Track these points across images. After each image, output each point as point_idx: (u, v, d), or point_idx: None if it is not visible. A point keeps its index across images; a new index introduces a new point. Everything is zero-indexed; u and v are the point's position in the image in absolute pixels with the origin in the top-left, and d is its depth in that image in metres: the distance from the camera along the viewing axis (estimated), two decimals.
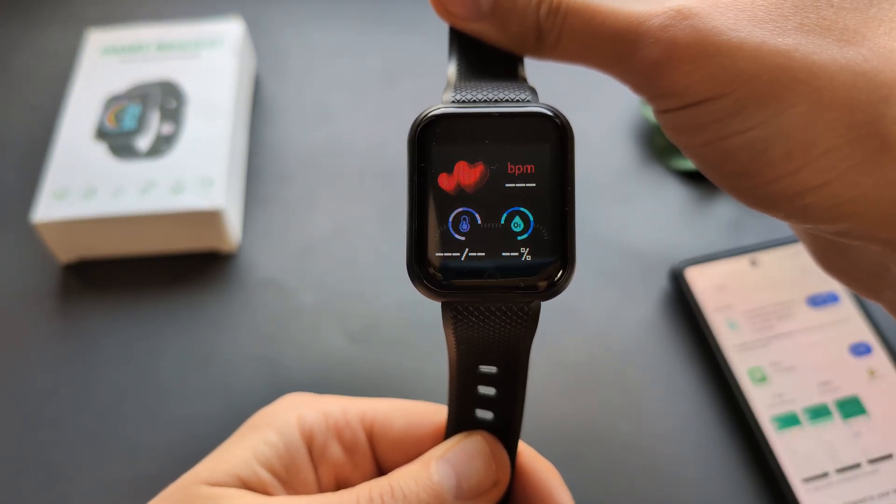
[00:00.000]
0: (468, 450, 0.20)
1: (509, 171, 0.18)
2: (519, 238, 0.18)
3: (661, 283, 0.38)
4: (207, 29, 0.44)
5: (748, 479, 0.32)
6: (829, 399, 0.33)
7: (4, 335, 0.37)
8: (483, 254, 0.18)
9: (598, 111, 0.44)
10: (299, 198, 0.41)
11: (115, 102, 0.41)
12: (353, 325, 0.37)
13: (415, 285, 0.18)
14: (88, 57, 0.43)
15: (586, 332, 0.36)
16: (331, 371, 0.35)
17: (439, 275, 0.18)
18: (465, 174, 0.18)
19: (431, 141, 0.18)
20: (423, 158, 0.18)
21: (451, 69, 0.20)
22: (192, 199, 0.37)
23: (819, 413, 0.32)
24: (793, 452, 0.31)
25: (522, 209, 0.18)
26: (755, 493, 0.31)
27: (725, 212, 0.40)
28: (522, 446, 0.23)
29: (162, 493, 0.21)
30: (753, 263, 0.37)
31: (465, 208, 0.18)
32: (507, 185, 0.18)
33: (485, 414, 0.22)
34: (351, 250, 0.39)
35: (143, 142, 0.39)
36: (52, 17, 0.51)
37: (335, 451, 0.23)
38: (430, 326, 0.36)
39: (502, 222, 0.18)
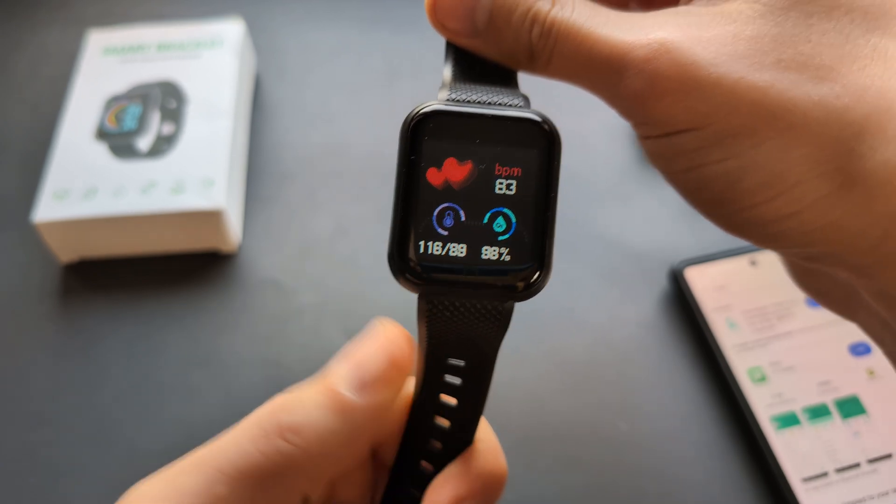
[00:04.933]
0: (366, 340, 0.20)
1: (497, 173, 0.19)
2: (500, 238, 0.19)
3: (661, 282, 0.38)
4: (208, 29, 0.44)
5: (747, 479, 0.32)
6: (828, 399, 0.33)
7: (5, 335, 0.37)
8: (464, 250, 0.18)
9: (599, 112, 0.44)
10: (299, 198, 0.41)
11: (116, 102, 0.41)
12: (353, 325, 0.37)
13: (394, 275, 0.18)
14: (89, 57, 0.43)
15: (586, 332, 0.36)
16: None
17: (419, 267, 0.18)
18: (453, 171, 0.18)
19: (424, 135, 0.18)
20: (414, 151, 0.18)
21: (447, 71, 0.21)
22: (193, 200, 0.37)
23: (818, 413, 0.32)
24: (792, 452, 0.31)
25: (506, 210, 0.19)
26: (754, 492, 0.31)
27: None
28: (490, 444, 0.23)
29: None
30: (753, 263, 0.37)
31: (451, 204, 0.18)
32: (493, 185, 0.19)
33: (449, 400, 0.22)
34: (351, 250, 0.39)
35: (144, 142, 0.39)
36: (52, 18, 0.51)
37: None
38: None
39: (485, 221, 0.19)
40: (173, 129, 0.40)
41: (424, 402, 0.22)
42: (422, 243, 0.18)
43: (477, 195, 0.19)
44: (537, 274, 0.19)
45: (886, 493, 0.30)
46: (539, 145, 0.19)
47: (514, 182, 0.19)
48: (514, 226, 0.19)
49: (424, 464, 0.23)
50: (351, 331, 0.36)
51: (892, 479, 0.30)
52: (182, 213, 0.37)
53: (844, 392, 0.33)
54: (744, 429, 0.32)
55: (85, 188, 0.37)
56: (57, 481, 0.32)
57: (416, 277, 0.18)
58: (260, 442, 0.18)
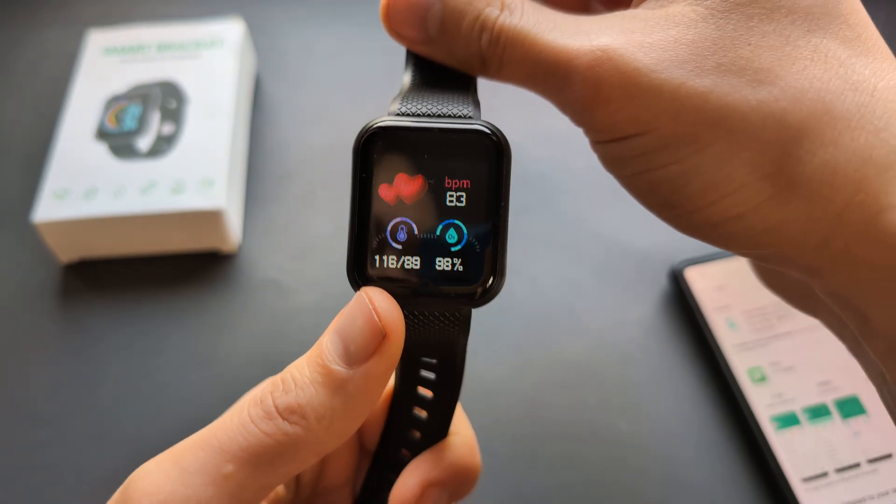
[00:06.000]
0: (350, 311, 0.19)
1: (447, 186, 0.19)
2: (452, 249, 0.19)
3: (661, 282, 0.38)
4: (208, 29, 0.44)
5: (747, 479, 0.32)
6: (828, 399, 0.33)
7: (5, 335, 0.37)
8: (418, 262, 0.19)
9: None
10: (299, 198, 0.41)
11: (116, 102, 0.41)
12: None
13: (354, 289, 0.19)
14: (89, 57, 0.43)
15: (586, 332, 0.36)
16: None
17: (377, 281, 0.19)
18: (404, 186, 0.19)
19: (373, 153, 0.19)
20: (365, 169, 0.19)
21: (406, 78, 0.21)
22: (193, 200, 0.37)
23: (818, 413, 0.32)
24: (792, 452, 0.31)
25: (457, 222, 0.19)
26: (754, 492, 0.31)
27: None
28: (466, 438, 0.23)
29: None
30: None
31: (403, 218, 0.19)
32: (444, 198, 0.19)
33: (426, 392, 0.23)
34: None
35: (144, 142, 0.39)
36: (53, 18, 0.51)
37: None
38: None
39: (437, 234, 0.19)
40: (173, 129, 0.40)
41: (403, 393, 0.23)
42: (377, 258, 0.19)
43: (428, 208, 0.19)
44: (490, 280, 0.19)
45: (886, 493, 0.30)
46: (487, 156, 0.19)
47: (463, 194, 0.19)
48: (465, 237, 0.19)
49: (404, 451, 0.24)
50: None
51: (891, 478, 0.30)
52: (182, 213, 0.37)
53: (844, 392, 0.33)
54: (744, 429, 0.32)
55: (85, 188, 0.37)
56: (57, 481, 0.32)
57: (368, 284, 0.19)
58: (263, 423, 0.18)
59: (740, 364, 0.34)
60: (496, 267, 0.19)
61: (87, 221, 0.37)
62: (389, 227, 0.19)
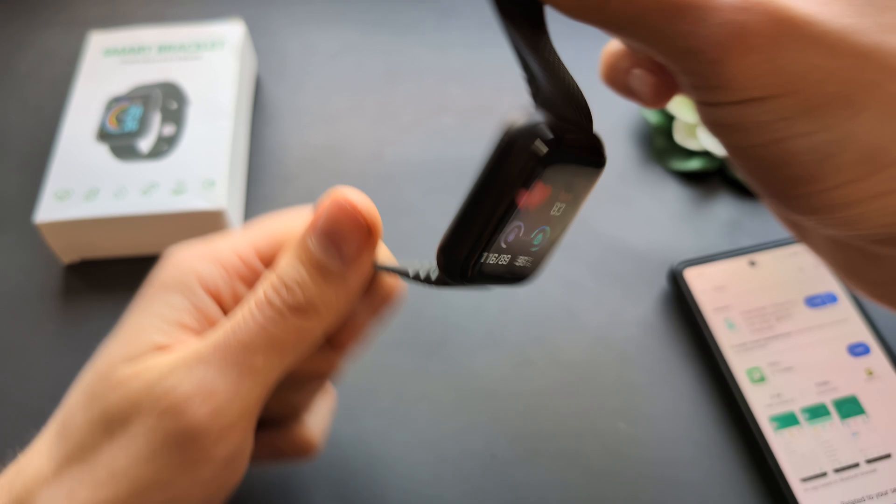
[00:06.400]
0: (333, 214, 0.21)
1: (559, 198, 0.19)
2: (532, 249, 0.20)
3: (661, 283, 0.38)
4: (208, 31, 0.44)
5: (747, 479, 0.32)
6: (827, 399, 0.33)
7: (7, 335, 0.37)
8: (507, 259, 0.20)
9: (598, 113, 0.44)
10: (300, 199, 0.42)
11: (117, 104, 0.41)
12: None
13: (449, 271, 0.19)
14: (90, 58, 0.44)
15: (586, 332, 0.36)
16: None
17: (474, 274, 0.19)
18: (537, 194, 0.18)
19: (539, 164, 0.17)
20: (527, 178, 0.17)
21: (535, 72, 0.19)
22: (194, 200, 0.37)
23: (817, 413, 0.32)
24: (791, 452, 0.31)
25: (547, 229, 0.20)
26: (753, 492, 0.31)
27: (724, 213, 0.40)
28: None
29: (80, 384, 0.22)
30: (752, 264, 0.37)
31: (521, 223, 0.19)
32: (552, 208, 0.19)
33: None
34: None
35: (145, 143, 0.39)
36: (54, 19, 0.51)
37: (243, 294, 0.23)
38: (430, 325, 0.36)
39: (532, 237, 0.20)
40: (174, 130, 0.40)
41: None
42: (485, 254, 0.19)
43: (540, 215, 0.19)
44: (536, 276, 0.21)
45: (885, 493, 0.30)
46: (592, 178, 0.20)
47: (564, 206, 0.20)
48: (544, 242, 0.20)
49: None
50: None
51: (890, 478, 0.31)
52: (183, 213, 0.37)
53: (843, 392, 0.33)
54: (743, 429, 0.33)
55: (86, 189, 0.37)
56: None
57: (465, 281, 0.19)
58: (281, 322, 0.20)
59: (739, 364, 0.34)
60: (539, 271, 0.21)
61: (89, 222, 0.37)
62: (508, 229, 0.18)
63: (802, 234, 0.23)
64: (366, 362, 0.36)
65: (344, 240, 0.21)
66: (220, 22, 0.45)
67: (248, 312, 0.21)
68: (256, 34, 0.48)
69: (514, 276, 0.20)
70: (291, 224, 0.24)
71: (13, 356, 0.36)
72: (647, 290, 0.38)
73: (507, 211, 0.18)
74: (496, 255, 0.19)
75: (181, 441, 0.19)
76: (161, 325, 0.21)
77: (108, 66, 0.43)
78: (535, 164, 0.17)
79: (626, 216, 0.40)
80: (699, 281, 0.36)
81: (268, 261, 0.23)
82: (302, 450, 0.26)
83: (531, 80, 0.18)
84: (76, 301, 0.38)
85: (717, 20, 0.16)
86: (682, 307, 0.37)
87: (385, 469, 0.32)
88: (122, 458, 0.20)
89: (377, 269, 0.22)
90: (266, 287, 0.21)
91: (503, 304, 0.37)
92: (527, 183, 0.17)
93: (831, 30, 0.15)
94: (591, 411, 0.34)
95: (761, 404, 0.32)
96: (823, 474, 0.31)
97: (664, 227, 0.40)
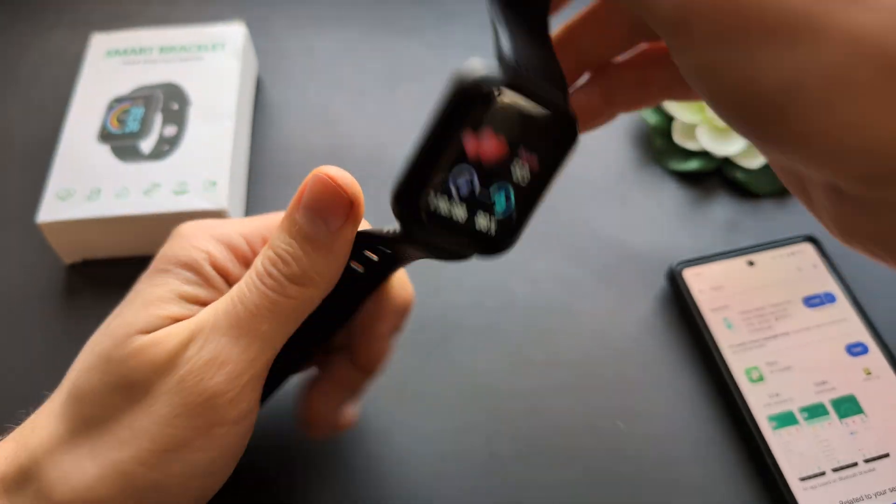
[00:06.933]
0: (317, 190, 0.23)
1: (519, 156, 0.20)
2: (496, 211, 0.20)
3: (659, 283, 0.38)
4: (210, 32, 0.45)
5: (745, 478, 0.32)
6: (825, 398, 0.33)
7: (9, 336, 0.37)
8: (464, 216, 0.20)
9: None
10: None
11: (119, 104, 0.41)
12: None
13: (395, 206, 0.20)
14: (92, 59, 0.44)
15: (584, 332, 0.36)
16: None
17: (424, 217, 0.19)
18: (487, 142, 0.19)
19: (481, 102, 0.19)
20: (465, 112, 0.19)
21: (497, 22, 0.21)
22: (196, 201, 0.37)
23: (816, 412, 0.32)
24: (789, 451, 0.31)
25: (512, 191, 0.20)
26: (752, 491, 0.31)
27: (722, 213, 0.41)
28: (399, 278, 0.28)
29: (94, 350, 0.24)
30: (750, 264, 0.37)
31: (471, 169, 0.19)
32: (512, 167, 0.20)
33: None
34: None
35: (147, 143, 0.40)
36: (57, 21, 0.51)
37: None
38: (430, 324, 0.36)
39: (491, 194, 0.20)
40: (176, 130, 0.40)
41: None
42: (433, 193, 0.19)
43: (495, 170, 0.20)
44: (507, 247, 0.21)
45: (883, 492, 0.30)
46: (563, 145, 0.20)
47: (527, 170, 0.20)
48: (511, 207, 0.20)
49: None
50: None
51: (888, 478, 0.31)
52: (185, 213, 0.37)
53: (841, 392, 0.33)
54: (741, 428, 0.33)
55: (88, 189, 0.38)
56: None
57: (414, 221, 0.19)
58: (282, 291, 0.22)
59: (738, 364, 0.34)
60: (515, 240, 0.21)
61: (91, 222, 0.37)
62: (456, 171, 0.19)
63: (800, 190, 0.23)
64: None
65: (328, 212, 0.23)
66: (221, 23, 0.45)
67: (252, 283, 0.22)
68: (257, 35, 0.49)
69: (478, 240, 0.20)
70: None
71: (15, 356, 0.37)
72: (646, 289, 0.38)
73: (447, 145, 0.19)
74: (447, 200, 0.19)
75: (200, 405, 0.21)
76: (175, 297, 0.23)
77: (110, 66, 0.43)
78: (469, 100, 0.18)
79: (625, 216, 0.41)
80: (698, 281, 0.36)
81: None
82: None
83: (498, 47, 0.20)
84: (78, 301, 0.38)
85: None
86: (680, 307, 0.37)
87: (385, 468, 0.32)
88: (143, 419, 0.21)
89: (359, 235, 0.24)
90: (264, 260, 0.23)
91: (503, 303, 0.37)
92: (465, 118, 0.19)
93: None
94: (589, 410, 0.34)
95: (760, 404, 0.33)
96: (822, 473, 0.31)
97: (663, 227, 0.40)
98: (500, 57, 0.20)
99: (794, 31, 0.17)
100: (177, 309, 0.23)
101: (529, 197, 0.20)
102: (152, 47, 0.44)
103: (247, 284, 0.23)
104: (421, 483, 0.32)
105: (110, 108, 0.41)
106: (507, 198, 0.20)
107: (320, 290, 0.23)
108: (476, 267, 0.38)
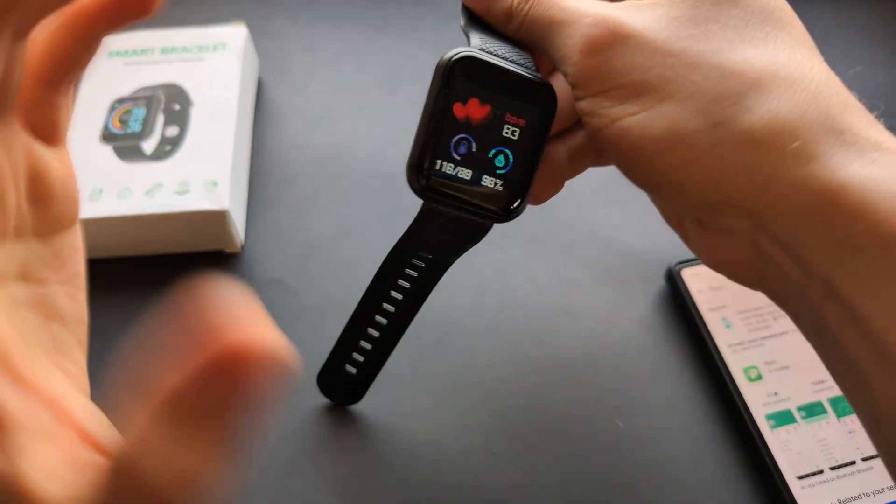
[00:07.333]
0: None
1: (507, 119, 0.23)
2: (498, 172, 0.24)
3: (658, 282, 0.38)
4: (211, 33, 0.45)
5: (743, 477, 0.32)
6: (823, 397, 0.33)
7: None
8: (469, 175, 0.23)
9: None
10: (302, 199, 0.42)
11: (121, 105, 0.42)
12: None
13: (410, 180, 0.23)
14: (94, 60, 0.44)
15: (583, 331, 0.36)
16: None
17: (432, 178, 0.23)
18: (474, 109, 0.23)
19: (459, 74, 0.23)
20: (448, 86, 0.23)
21: (464, 20, 0.26)
22: (197, 201, 0.37)
23: (813, 411, 0.33)
24: (788, 450, 0.31)
25: (507, 151, 0.24)
26: (750, 490, 0.32)
27: None
28: None
29: None
30: None
31: (467, 135, 0.23)
32: (502, 129, 0.23)
33: (389, 306, 0.28)
34: (353, 251, 0.40)
35: (148, 144, 0.40)
36: None
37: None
38: (431, 325, 0.36)
39: (490, 156, 0.24)
40: (177, 131, 0.40)
41: (374, 291, 0.28)
42: (438, 161, 0.23)
43: (488, 134, 0.23)
44: (518, 202, 0.24)
45: (881, 491, 0.31)
46: (544, 106, 0.24)
47: (518, 130, 0.23)
48: (510, 164, 0.24)
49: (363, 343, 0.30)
50: None
51: (886, 476, 0.31)
52: (186, 213, 0.37)
53: (839, 390, 0.33)
54: (739, 427, 0.33)
55: (90, 189, 0.38)
56: None
57: (428, 188, 0.23)
58: None
59: (736, 363, 0.34)
60: (525, 193, 0.24)
61: (93, 222, 0.37)
62: (454, 140, 0.23)
63: (678, 226, 0.28)
64: None
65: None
66: (222, 24, 0.46)
67: None
68: (258, 36, 0.49)
69: (490, 200, 0.24)
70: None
71: None
72: (645, 289, 0.38)
73: (442, 115, 0.23)
74: (452, 164, 0.23)
75: None
76: None
77: (111, 67, 0.43)
78: (451, 74, 0.22)
79: (624, 216, 0.41)
80: (696, 280, 0.37)
81: None
82: None
83: (470, 42, 0.24)
84: None
85: (577, 33, 0.22)
86: (679, 306, 0.37)
87: (384, 467, 0.32)
88: None
89: (394, 253, 0.26)
90: None
91: (503, 303, 0.37)
92: (451, 92, 0.22)
93: (653, 38, 0.22)
94: (589, 409, 0.34)
95: (758, 402, 0.33)
96: (820, 472, 0.31)
97: (662, 227, 0.40)
98: (472, 43, 0.24)
99: (649, 89, 0.22)
100: None
101: (525, 155, 0.24)
102: (154, 48, 0.44)
103: None
104: (421, 482, 0.32)
105: (112, 108, 0.41)
106: (506, 157, 0.23)
107: None
108: (476, 267, 0.38)
